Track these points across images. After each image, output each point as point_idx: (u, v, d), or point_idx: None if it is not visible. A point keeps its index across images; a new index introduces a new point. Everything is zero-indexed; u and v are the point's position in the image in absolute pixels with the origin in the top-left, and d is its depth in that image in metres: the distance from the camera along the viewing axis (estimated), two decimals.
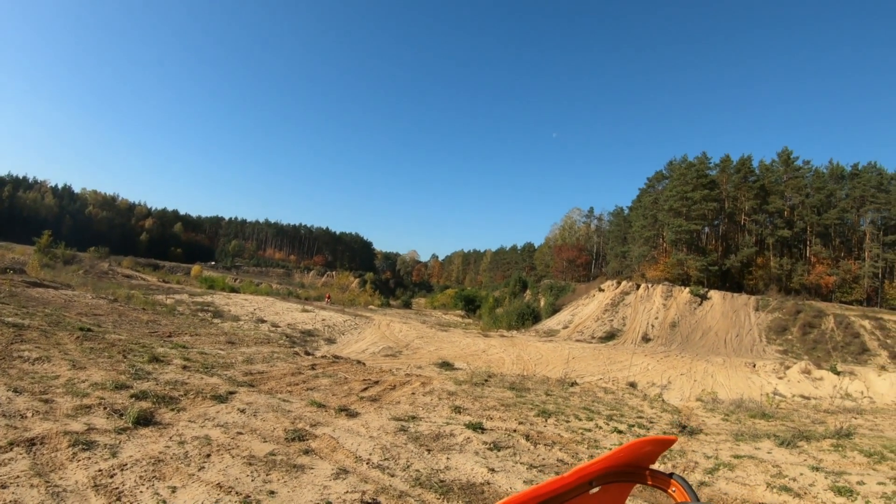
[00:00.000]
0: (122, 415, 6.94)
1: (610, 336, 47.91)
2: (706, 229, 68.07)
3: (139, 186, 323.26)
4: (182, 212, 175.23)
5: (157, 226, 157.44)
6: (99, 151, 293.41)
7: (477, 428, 8.99)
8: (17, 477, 4.86)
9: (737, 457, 9.10)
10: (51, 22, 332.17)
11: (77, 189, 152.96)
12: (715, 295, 53.32)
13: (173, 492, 5.10)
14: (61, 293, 22.96)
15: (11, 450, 5.40)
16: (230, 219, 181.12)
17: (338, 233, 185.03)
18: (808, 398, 25.61)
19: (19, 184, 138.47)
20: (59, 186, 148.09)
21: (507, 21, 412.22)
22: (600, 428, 10.76)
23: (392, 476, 6.38)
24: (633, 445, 1.15)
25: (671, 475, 1.18)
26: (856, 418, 15.78)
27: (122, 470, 5.38)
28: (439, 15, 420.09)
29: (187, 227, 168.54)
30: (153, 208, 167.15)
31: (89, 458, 5.51)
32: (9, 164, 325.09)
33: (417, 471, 6.67)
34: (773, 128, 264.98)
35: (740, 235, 66.28)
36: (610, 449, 7.94)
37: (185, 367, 10.78)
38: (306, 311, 38.04)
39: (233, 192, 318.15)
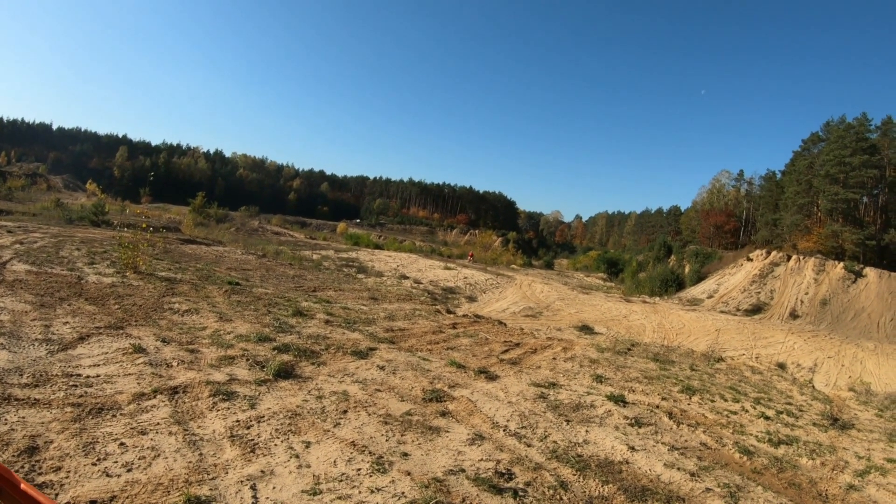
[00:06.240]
0: (263, 367, 7.11)
1: (756, 309, 44.96)
2: (865, 199, 61.58)
3: (286, 149, 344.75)
4: (328, 172, 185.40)
5: (305, 185, 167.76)
6: (249, 117, 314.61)
7: (618, 400, 8.60)
8: (158, 424, 4.99)
9: (890, 460, 8.23)
10: None
11: (228, 153, 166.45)
12: (871, 273, 47.97)
13: (307, 447, 5.04)
14: (212, 249, 24.50)
15: (155, 397, 5.59)
16: (375, 178, 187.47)
17: (481, 192, 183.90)
18: None
19: (174, 150, 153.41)
20: (211, 152, 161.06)
21: None
22: (746, 412, 10.05)
23: (528, 446, 6.09)
24: None
25: None
26: None
27: (258, 422, 5.42)
28: None
29: (333, 187, 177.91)
30: (301, 169, 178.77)
31: (228, 409, 5.60)
32: (164, 133, 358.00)
33: (555, 442, 6.37)
34: None
35: None
36: (756, 436, 7.05)
37: (327, 322, 11.02)
38: (449, 268, 38.51)
39: (378, 152, 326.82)
